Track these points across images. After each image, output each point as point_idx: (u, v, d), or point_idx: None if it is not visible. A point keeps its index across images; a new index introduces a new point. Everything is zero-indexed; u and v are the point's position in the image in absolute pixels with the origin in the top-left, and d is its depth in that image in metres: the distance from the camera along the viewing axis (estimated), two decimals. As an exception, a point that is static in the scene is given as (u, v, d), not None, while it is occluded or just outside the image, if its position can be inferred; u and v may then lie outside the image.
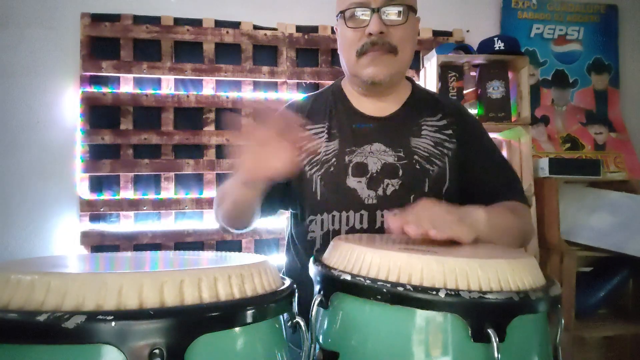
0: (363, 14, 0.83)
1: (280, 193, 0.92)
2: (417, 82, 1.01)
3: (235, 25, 2.09)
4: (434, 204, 0.67)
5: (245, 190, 0.76)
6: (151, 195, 1.99)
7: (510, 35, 2.09)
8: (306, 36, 2.14)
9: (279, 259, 1.80)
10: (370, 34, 0.83)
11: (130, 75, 2.00)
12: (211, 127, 2.05)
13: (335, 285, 0.51)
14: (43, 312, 0.34)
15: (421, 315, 0.45)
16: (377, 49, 0.83)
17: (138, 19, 2.02)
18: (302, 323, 0.48)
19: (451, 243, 0.62)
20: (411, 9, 0.85)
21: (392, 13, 0.83)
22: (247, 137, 0.69)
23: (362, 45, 0.84)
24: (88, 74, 1.96)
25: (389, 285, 0.46)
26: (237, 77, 2.08)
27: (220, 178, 2.05)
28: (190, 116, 2.05)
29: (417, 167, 0.87)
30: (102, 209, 1.93)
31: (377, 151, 0.88)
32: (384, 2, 0.82)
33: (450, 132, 0.91)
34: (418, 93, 0.97)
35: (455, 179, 0.89)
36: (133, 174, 1.98)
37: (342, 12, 0.86)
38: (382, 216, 0.85)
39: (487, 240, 0.70)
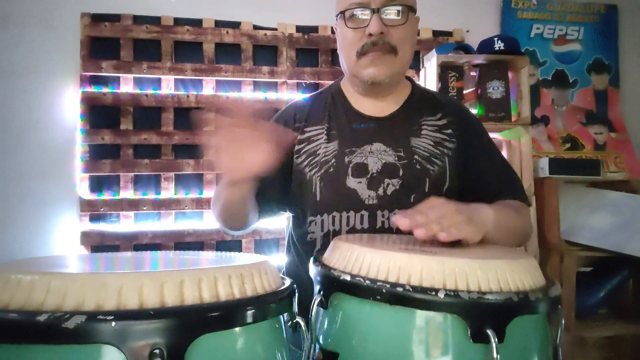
0: (363, 14, 0.83)
1: (277, 193, 0.92)
2: (416, 82, 1.01)
3: (235, 25, 2.09)
4: (442, 203, 0.66)
5: (231, 190, 0.76)
6: (151, 195, 1.99)
7: (510, 35, 2.09)
8: (306, 36, 2.14)
9: (279, 259, 1.80)
10: (370, 34, 0.83)
11: (130, 75, 2.00)
12: (211, 127, 2.05)
13: (335, 286, 0.52)
14: (43, 312, 0.34)
15: (421, 316, 0.45)
16: (377, 49, 0.83)
17: (138, 19, 2.02)
18: (302, 323, 0.48)
19: (453, 243, 0.62)
20: (411, 9, 0.85)
21: (392, 13, 0.83)
22: (216, 134, 0.68)
23: (363, 46, 0.84)
24: (88, 74, 1.96)
25: (388, 285, 0.46)
26: (237, 77, 2.08)
27: (220, 178, 2.04)
28: (190, 116, 2.05)
29: (418, 166, 0.87)
30: (102, 209, 1.93)
31: (377, 151, 0.88)
32: (384, 3, 0.82)
33: (450, 131, 0.91)
34: (418, 92, 0.97)
35: (456, 179, 0.89)
36: (133, 174, 1.98)
37: (342, 12, 0.86)
38: (383, 216, 0.85)
39: (492, 239, 0.70)
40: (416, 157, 0.88)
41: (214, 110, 0.68)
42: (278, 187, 0.92)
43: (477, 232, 0.64)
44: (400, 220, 0.62)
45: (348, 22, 0.85)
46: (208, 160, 2.03)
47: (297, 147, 0.92)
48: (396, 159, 0.87)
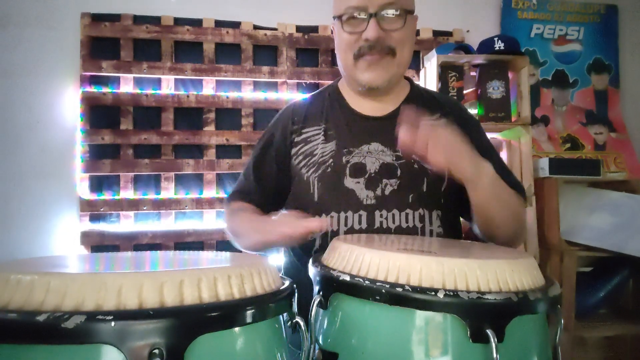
0: (360, 18, 0.82)
1: (278, 196, 0.93)
2: (415, 82, 1.01)
3: (235, 25, 2.09)
4: (451, 133, 0.69)
5: (262, 244, 0.82)
6: (151, 195, 1.99)
7: (510, 35, 2.09)
8: (306, 36, 2.14)
9: (278, 259, 1.80)
10: (367, 39, 0.82)
11: (130, 75, 2.00)
12: (211, 127, 2.05)
13: (335, 286, 0.52)
14: (43, 312, 0.34)
15: (420, 316, 0.45)
16: (374, 52, 0.83)
17: (138, 19, 2.01)
18: (301, 323, 0.48)
19: (452, 244, 0.62)
20: (408, 11, 0.84)
21: (389, 17, 0.82)
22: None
23: (359, 48, 0.83)
24: (88, 74, 1.96)
25: (387, 285, 0.46)
26: (237, 77, 2.08)
27: (220, 178, 2.05)
28: (190, 116, 2.05)
29: (416, 166, 0.87)
30: (102, 209, 1.93)
31: (375, 151, 0.88)
32: (381, 7, 0.81)
33: (449, 131, 0.91)
34: (416, 92, 0.97)
35: (454, 179, 0.89)
36: (133, 174, 1.98)
37: (339, 16, 0.85)
38: (381, 216, 0.85)
39: (484, 198, 0.73)
40: (414, 157, 0.87)
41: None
42: (276, 188, 0.93)
43: (476, 172, 0.69)
44: (404, 133, 0.67)
45: (345, 26, 0.84)
46: (208, 160, 2.03)
47: (294, 149, 0.92)
48: (394, 159, 0.87)
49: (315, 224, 0.69)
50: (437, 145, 0.67)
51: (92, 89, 1.96)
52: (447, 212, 0.87)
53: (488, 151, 0.95)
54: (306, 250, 0.89)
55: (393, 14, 0.82)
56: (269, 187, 0.95)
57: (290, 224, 0.71)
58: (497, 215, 0.78)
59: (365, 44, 0.83)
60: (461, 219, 0.95)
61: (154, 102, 2.00)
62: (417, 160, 0.87)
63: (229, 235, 0.94)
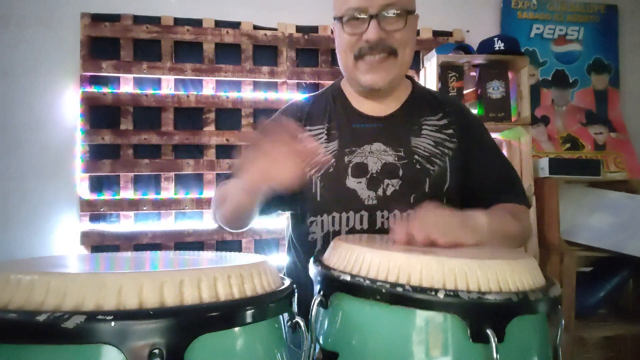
0: (360, 19, 0.82)
1: (279, 196, 0.93)
2: (417, 81, 1.00)
3: (235, 25, 2.09)
4: (437, 208, 0.67)
5: (246, 197, 0.76)
6: (151, 195, 1.99)
7: (510, 35, 2.09)
8: (306, 36, 2.14)
9: (279, 259, 1.80)
10: (368, 40, 0.82)
11: (130, 75, 2.00)
12: (211, 127, 2.05)
13: (335, 286, 0.52)
14: (43, 312, 0.34)
15: (420, 316, 0.45)
16: (375, 53, 0.83)
17: (138, 19, 2.02)
18: (301, 323, 0.48)
19: (453, 245, 0.62)
20: (409, 12, 0.84)
21: (390, 18, 0.81)
22: (254, 144, 0.68)
23: (360, 49, 0.83)
24: (88, 74, 1.96)
25: (388, 285, 0.46)
26: (237, 77, 2.08)
27: (220, 178, 2.05)
28: (190, 116, 2.05)
29: (418, 166, 0.87)
30: (102, 209, 1.93)
31: (377, 151, 0.88)
32: (382, 8, 0.80)
33: (450, 131, 0.91)
34: (418, 92, 0.96)
35: (456, 179, 0.89)
36: (133, 174, 1.98)
37: (340, 17, 0.84)
38: (383, 217, 0.85)
39: (487, 243, 0.70)
40: (416, 157, 0.87)
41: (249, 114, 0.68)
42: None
43: (471, 235, 0.65)
44: (396, 226, 0.63)
45: (346, 27, 0.83)
46: (208, 160, 2.03)
47: None
48: (396, 159, 0.87)
49: (312, 155, 0.65)
50: (423, 223, 0.64)
51: (92, 89, 1.96)
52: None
53: (492, 152, 0.95)
54: (308, 250, 0.89)
55: (394, 15, 0.81)
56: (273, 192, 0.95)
57: (285, 164, 0.66)
58: (503, 245, 0.76)
59: (366, 45, 0.82)
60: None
61: (154, 102, 2.00)
62: (419, 160, 0.87)
63: (215, 215, 0.90)
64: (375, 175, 0.86)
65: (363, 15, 0.81)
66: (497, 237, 0.72)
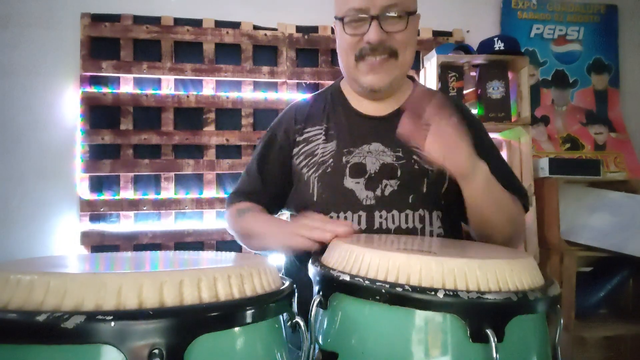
0: (362, 20, 0.82)
1: (277, 193, 0.93)
2: (418, 81, 1.00)
3: (235, 25, 2.09)
4: (450, 127, 0.69)
5: (280, 248, 0.84)
6: (151, 195, 1.99)
7: (510, 35, 2.09)
8: (306, 36, 2.14)
9: (278, 259, 1.79)
10: (369, 42, 0.82)
11: (130, 76, 2.00)
12: (211, 127, 2.05)
13: (335, 286, 0.52)
14: (42, 312, 0.34)
15: (420, 316, 0.45)
16: (376, 54, 0.82)
17: (138, 19, 2.02)
18: (301, 323, 0.48)
19: (452, 244, 0.62)
20: (410, 13, 0.84)
21: (391, 19, 0.81)
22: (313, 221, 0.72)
23: (361, 50, 0.83)
24: (88, 74, 1.96)
25: (387, 285, 0.46)
26: (237, 77, 2.08)
27: (220, 178, 2.05)
28: (190, 116, 2.05)
29: (416, 167, 0.87)
30: (102, 209, 1.93)
31: (375, 151, 0.87)
32: (383, 9, 0.80)
33: (450, 131, 0.91)
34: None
35: (455, 179, 0.88)
36: (133, 174, 1.98)
37: (341, 17, 0.84)
38: (381, 217, 0.85)
39: (477, 196, 0.73)
40: (415, 157, 0.87)
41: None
42: (279, 188, 0.93)
43: (472, 167, 0.69)
44: (405, 124, 0.68)
45: (347, 27, 0.83)
46: (208, 160, 2.03)
47: (296, 149, 0.92)
48: (394, 159, 0.87)
49: (342, 228, 0.67)
50: (436, 136, 0.67)
51: (92, 89, 1.96)
52: (447, 213, 0.87)
53: (491, 152, 0.95)
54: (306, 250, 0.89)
55: (395, 16, 0.81)
56: (272, 186, 0.95)
57: (315, 228, 0.69)
58: (492, 217, 0.78)
59: (367, 46, 0.82)
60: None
61: (154, 102, 2.00)
62: (418, 161, 0.87)
63: (236, 236, 0.94)
64: (373, 175, 0.86)
65: (364, 16, 0.81)
66: (491, 193, 0.75)
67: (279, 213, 1.00)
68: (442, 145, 0.67)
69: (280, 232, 0.80)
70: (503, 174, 0.93)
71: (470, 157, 0.70)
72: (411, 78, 0.99)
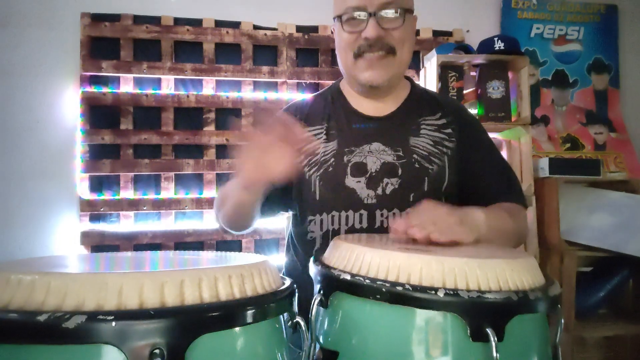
0: (359, 17, 0.83)
1: (280, 195, 0.93)
2: (416, 82, 1.01)
3: (235, 25, 2.09)
4: (436, 206, 0.68)
5: (245, 194, 0.76)
6: (151, 195, 1.99)
7: (510, 35, 2.09)
8: (306, 36, 2.14)
9: (279, 259, 1.80)
10: (367, 38, 0.82)
11: (130, 75, 2.00)
12: (211, 127, 2.05)
13: (335, 285, 0.52)
14: (43, 312, 0.34)
15: (420, 315, 0.45)
16: (374, 50, 0.83)
17: (138, 19, 2.02)
18: (302, 323, 0.48)
19: (451, 243, 0.62)
20: (408, 10, 0.85)
21: (389, 16, 0.83)
22: (247, 141, 0.68)
23: (359, 47, 0.84)
24: (88, 74, 1.96)
25: (388, 284, 0.46)
26: (237, 77, 2.08)
27: (220, 178, 2.05)
28: (190, 116, 2.05)
29: (417, 166, 0.87)
30: (102, 209, 1.93)
31: (376, 150, 0.88)
32: (381, 6, 0.82)
33: (449, 131, 0.91)
34: (417, 92, 0.97)
35: (455, 178, 0.89)
36: (133, 174, 1.98)
37: (339, 16, 0.85)
38: (382, 216, 0.85)
39: (485, 241, 0.70)
40: (415, 156, 0.88)
41: (249, 114, 0.68)
42: (282, 189, 0.92)
43: (469, 233, 0.65)
44: (395, 222, 0.64)
45: (345, 25, 0.84)
46: (208, 160, 2.03)
47: None
48: (395, 158, 0.87)
49: (304, 143, 0.65)
50: (425, 226, 0.63)
51: (92, 89, 1.96)
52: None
53: (490, 152, 0.95)
54: (307, 249, 0.89)
55: (392, 14, 0.83)
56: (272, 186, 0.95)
57: (278, 154, 0.65)
58: (499, 243, 0.76)
59: (365, 42, 0.83)
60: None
61: (154, 102, 2.00)
62: (418, 160, 0.88)
63: (220, 217, 0.90)
64: (374, 174, 0.86)
65: (362, 14, 0.82)
66: (495, 235, 0.73)
67: (279, 212, 1.00)
68: (431, 220, 0.63)
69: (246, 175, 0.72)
70: (502, 173, 0.94)
71: (462, 224, 0.66)
72: (408, 79, 0.99)
